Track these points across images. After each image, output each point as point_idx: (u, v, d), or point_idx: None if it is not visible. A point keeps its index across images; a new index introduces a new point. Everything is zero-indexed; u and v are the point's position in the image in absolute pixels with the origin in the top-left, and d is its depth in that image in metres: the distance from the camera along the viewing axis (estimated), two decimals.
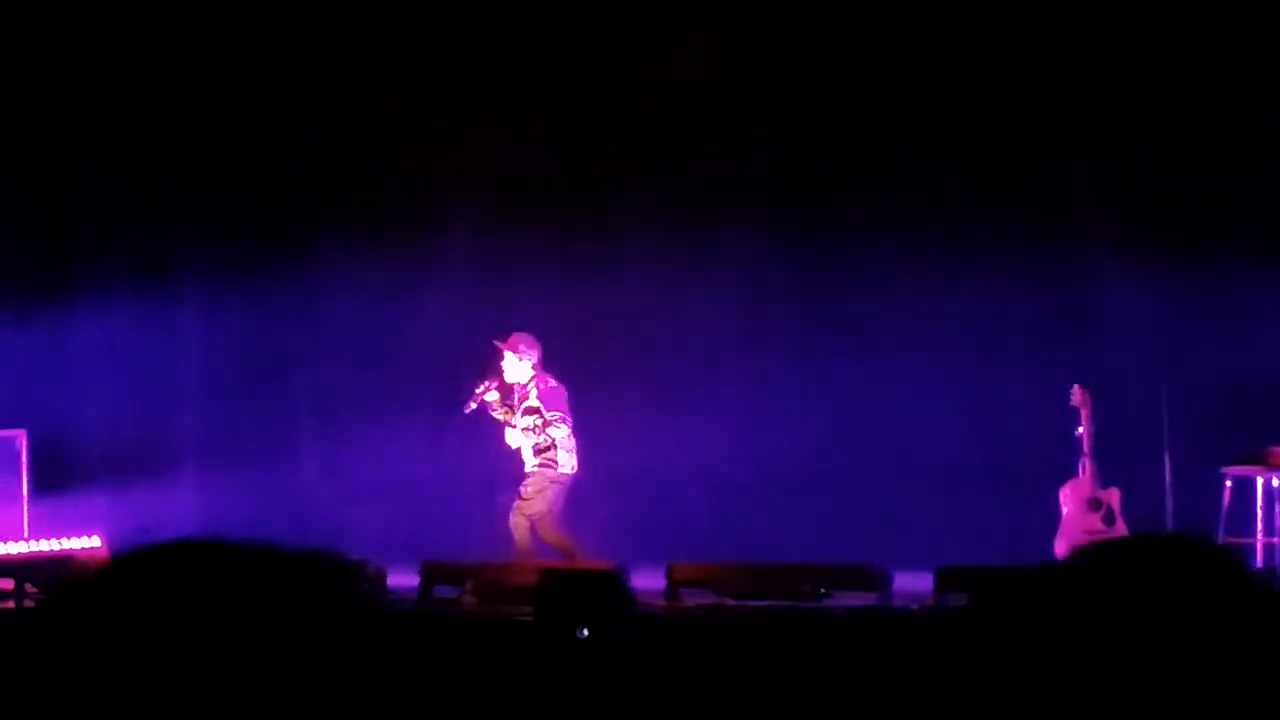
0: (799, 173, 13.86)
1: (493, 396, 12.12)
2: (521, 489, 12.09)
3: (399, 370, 14.08)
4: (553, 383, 12.14)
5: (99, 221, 14.32)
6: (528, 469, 12.13)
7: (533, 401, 12.09)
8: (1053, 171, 13.63)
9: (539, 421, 12.02)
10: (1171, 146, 13.26)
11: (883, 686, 7.05)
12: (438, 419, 13.02)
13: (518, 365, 12.12)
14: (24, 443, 13.04)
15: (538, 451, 12.09)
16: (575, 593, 9.52)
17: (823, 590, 10.91)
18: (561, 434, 12.06)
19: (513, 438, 12.15)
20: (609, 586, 9.67)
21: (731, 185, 13.94)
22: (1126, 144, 13.40)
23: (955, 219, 13.56)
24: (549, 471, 12.08)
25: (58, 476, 13.54)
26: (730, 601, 10.99)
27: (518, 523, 12.05)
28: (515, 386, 12.14)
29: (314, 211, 14.30)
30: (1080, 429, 12.19)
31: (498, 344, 12.15)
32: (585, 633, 8.93)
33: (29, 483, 13.01)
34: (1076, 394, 12.21)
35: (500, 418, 12.14)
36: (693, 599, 11.09)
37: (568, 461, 12.11)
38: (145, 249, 14.24)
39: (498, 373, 12.15)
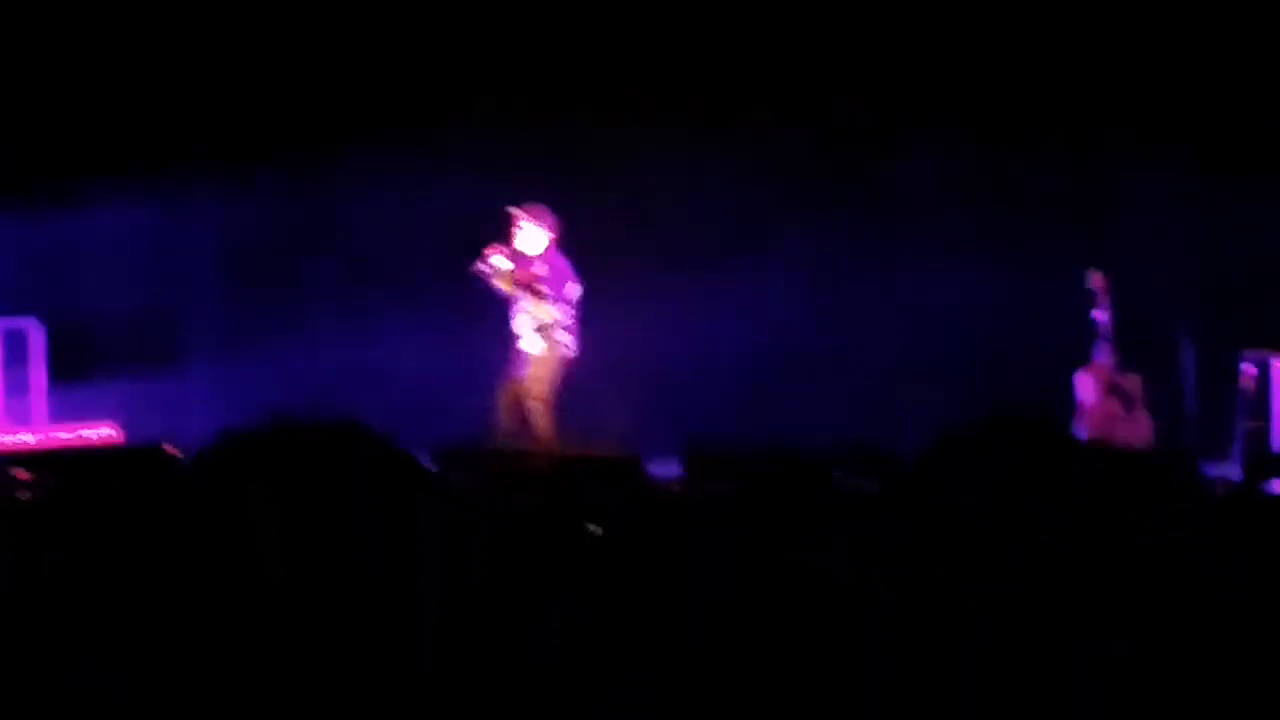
0: (814, 52, 13.69)
1: (501, 262, 11.80)
2: (521, 371, 11.89)
3: (413, 258, 14.00)
4: (561, 262, 11.90)
5: (111, 106, 14.21)
6: (527, 349, 11.89)
7: (539, 270, 11.82)
8: (1073, 55, 13.45)
9: (539, 296, 11.81)
10: (1189, 27, 13.07)
11: (895, 565, 7.02)
12: (454, 307, 12.95)
13: (535, 234, 11.85)
14: (36, 330, 13.01)
15: (539, 329, 11.86)
16: (592, 480, 9.47)
17: (838, 474, 10.86)
18: (557, 314, 11.83)
19: (519, 319, 11.92)
20: (626, 474, 9.62)
21: (743, 65, 13.79)
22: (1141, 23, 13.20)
23: (973, 98, 13.41)
24: (551, 352, 11.88)
25: (72, 364, 13.51)
26: (745, 486, 10.94)
27: (508, 405, 11.84)
28: (523, 257, 11.87)
29: (326, 99, 14.18)
30: (1098, 313, 12.12)
31: (516, 210, 11.89)
32: (598, 529, 8.89)
33: (45, 372, 12.98)
34: (1095, 278, 12.12)
35: (502, 286, 11.84)
36: (708, 484, 11.05)
37: (567, 340, 11.89)
38: (159, 134, 14.14)
39: (509, 240, 11.92)
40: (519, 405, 11.92)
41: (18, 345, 12.94)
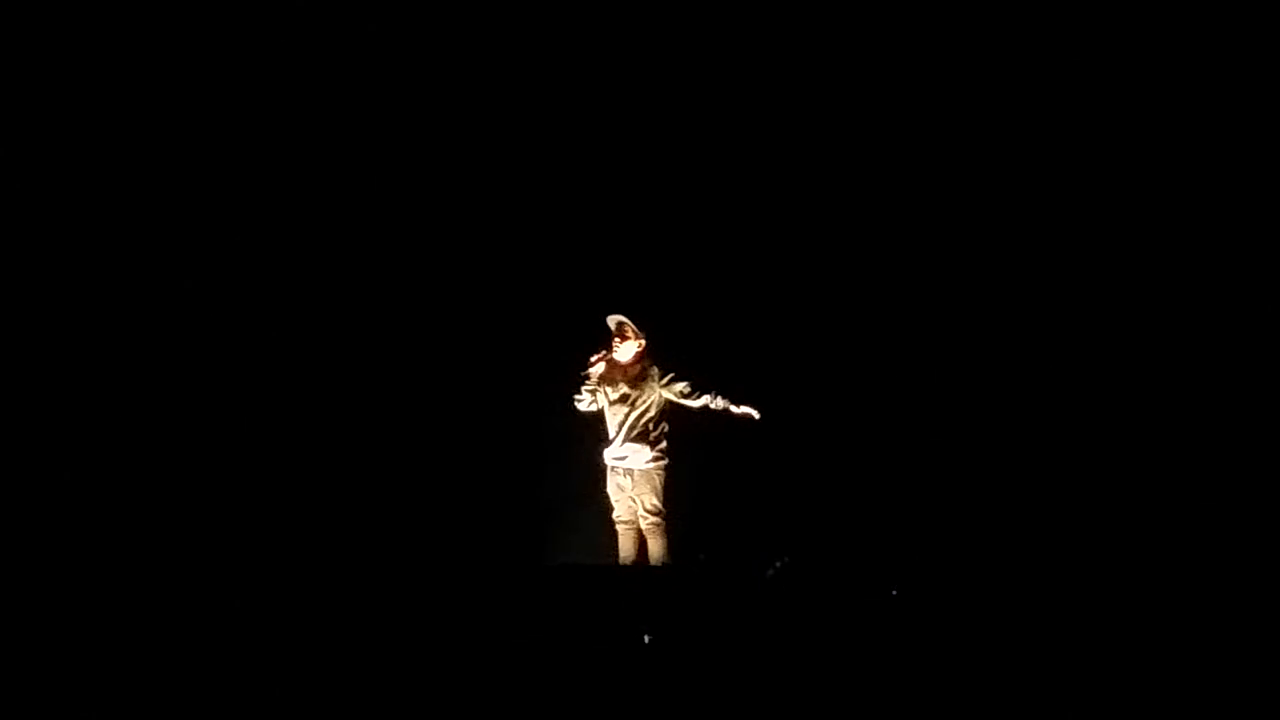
0: None
1: (598, 370, 10.85)
2: (640, 498, 10.88)
3: None
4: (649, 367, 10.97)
5: None
6: (637, 466, 10.88)
7: (656, 385, 10.88)
8: None
9: (658, 409, 10.88)
10: None
11: None
12: None
13: (630, 346, 10.95)
14: None
15: (655, 443, 10.90)
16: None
17: None
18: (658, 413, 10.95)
19: (626, 435, 10.87)
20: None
21: None
22: None
23: None
24: (663, 463, 10.92)
25: None
26: None
27: (635, 531, 10.96)
28: (617, 365, 10.88)
29: None
30: None
31: (616, 321, 10.93)
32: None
33: None
34: None
35: (585, 397, 10.82)
36: None
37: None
38: None
39: (609, 349, 10.93)
40: (638, 532, 10.99)
41: None
